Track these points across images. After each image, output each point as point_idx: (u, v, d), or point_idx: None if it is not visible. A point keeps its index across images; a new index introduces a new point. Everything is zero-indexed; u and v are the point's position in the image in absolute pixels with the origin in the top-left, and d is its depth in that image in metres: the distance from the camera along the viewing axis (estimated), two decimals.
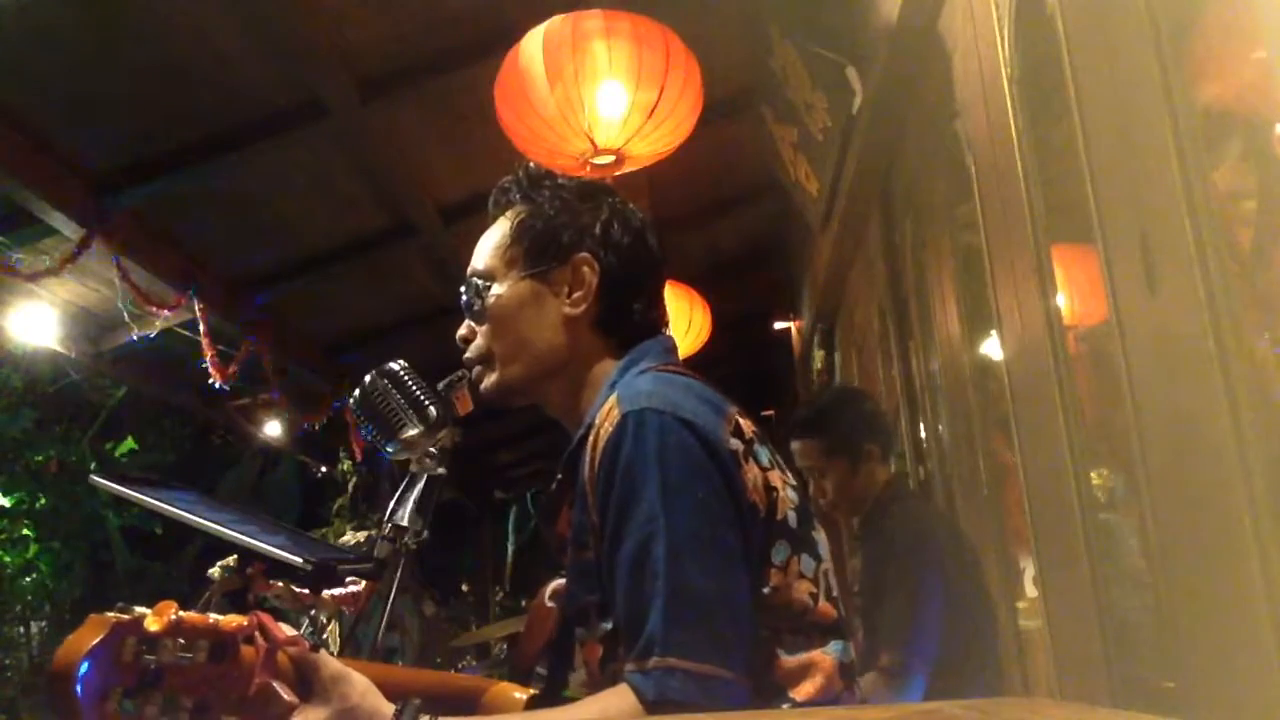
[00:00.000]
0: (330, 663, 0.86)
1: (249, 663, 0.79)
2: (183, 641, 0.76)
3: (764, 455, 0.99)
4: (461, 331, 1.18)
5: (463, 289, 1.18)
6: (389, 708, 0.87)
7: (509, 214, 1.18)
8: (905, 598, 2.03)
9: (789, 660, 0.92)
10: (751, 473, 0.96)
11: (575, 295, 1.12)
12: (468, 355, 1.17)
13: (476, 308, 1.15)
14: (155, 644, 0.75)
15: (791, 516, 0.97)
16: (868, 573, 2.22)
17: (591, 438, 0.99)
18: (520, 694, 1.12)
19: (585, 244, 1.14)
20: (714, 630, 0.88)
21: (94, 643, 0.73)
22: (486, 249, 1.17)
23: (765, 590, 0.93)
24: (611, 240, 1.14)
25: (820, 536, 1.01)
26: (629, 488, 0.93)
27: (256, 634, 0.80)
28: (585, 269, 1.12)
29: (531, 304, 1.13)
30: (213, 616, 0.78)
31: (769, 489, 0.96)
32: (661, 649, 0.86)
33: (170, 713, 0.75)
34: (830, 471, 2.27)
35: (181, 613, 0.76)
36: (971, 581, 2.21)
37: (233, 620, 0.78)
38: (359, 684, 0.87)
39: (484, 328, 1.15)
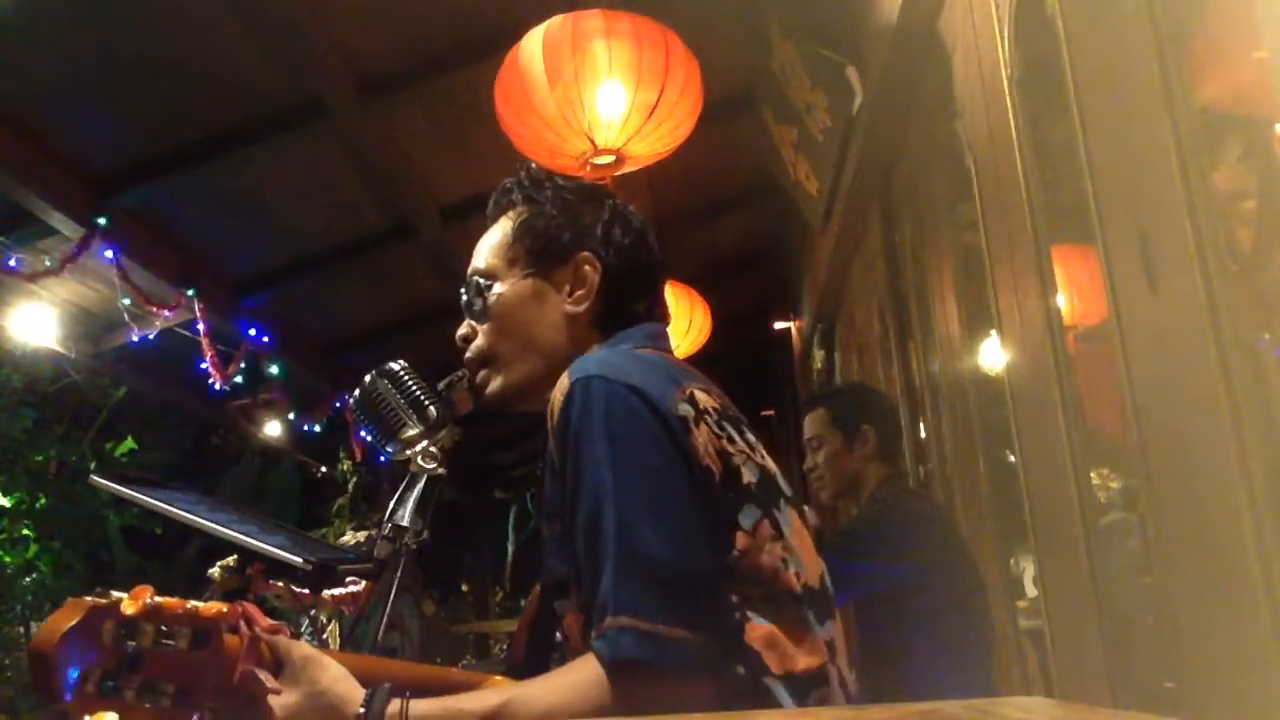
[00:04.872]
0: (301, 646, 0.87)
1: (233, 651, 0.79)
2: (164, 628, 0.76)
3: (722, 427, 0.99)
4: (462, 331, 1.18)
5: (463, 288, 1.18)
6: (360, 693, 0.87)
7: (510, 214, 1.18)
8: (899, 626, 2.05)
9: (761, 626, 0.91)
10: (702, 437, 0.95)
11: (577, 294, 1.13)
12: (469, 355, 1.17)
13: (478, 307, 1.15)
14: (134, 628, 0.76)
15: (755, 482, 0.97)
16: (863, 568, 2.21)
17: (549, 408, 1.00)
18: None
19: (587, 243, 1.14)
20: (665, 590, 0.88)
21: (71, 624, 0.74)
22: (487, 248, 1.17)
23: (733, 554, 0.93)
24: (613, 240, 1.15)
25: (791, 513, 1.00)
26: (578, 455, 0.93)
27: (241, 623, 0.80)
28: (587, 268, 1.13)
29: (533, 303, 1.13)
30: (191, 602, 0.78)
31: (724, 455, 0.96)
32: (614, 609, 0.87)
33: (150, 697, 0.76)
34: (826, 443, 2.30)
35: (158, 598, 0.77)
36: (973, 582, 2.20)
37: (212, 607, 0.78)
38: (331, 668, 0.87)
39: (485, 327, 1.15)
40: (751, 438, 1.04)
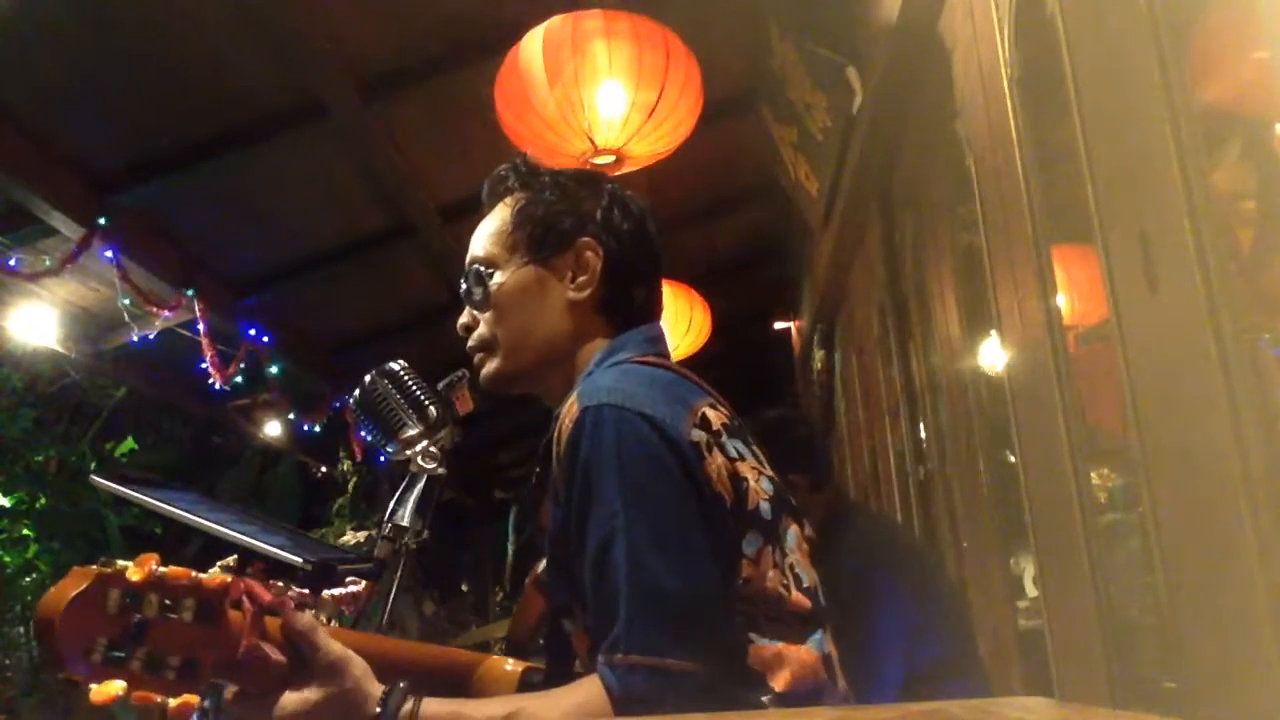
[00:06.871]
0: (330, 648, 0.87)
1: (237, 626, 0.79)
2: (168, 601, 0.76)
3: (733, 447, 0.99)
4: (463, 320, 1.17)
5: (463, 278, 1.17)
6: (378, 689, 0.88)
7: (508, 201, 1.17)
8: (857, 641, 2.01)
9: (765, 648, 0.92)
10: (715, 464, 0.95)
11: (580, 280, 1.12)
12: (470, 344, 1.16)
13: (478, 296, 1.14)
14: (139, 598, 0.76)
15: (764, 507, 0.97)
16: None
17: (556, 433, 1.00)
18: (512, 666, 1.12)
19: (588, 229, 1.14)
20: (676, 624, 0.88)
21: (77, 591, 0.74)
22: (486, 236, 1.16)
23: (738, 581, 0.93)
24: (613, 225, 1.15)
25: (792, 528, 1.00)
26: (588, 486, 0.93)
27: (244, 598, 0.80)
28: (589, 254, 1.12)
29: (535, 289, 1.12)
30: (194, 573, 0.78)
31: (736, 479, 0.96)
32: (625, 647, 0.87)
33: (156, 668, 0.76)
34: None
35: (163, 567, 0.77)
36: (939, 596, 2.17)
37: (216, 578, 0.78)
38: (356, 667, 0.88)
39: (487, 315, 1.14)
40: (756, 449, 1.04)
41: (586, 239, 1.13)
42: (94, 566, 0.76)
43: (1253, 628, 1.15)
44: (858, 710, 0.91)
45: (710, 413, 0.99)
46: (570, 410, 0.98)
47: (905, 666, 1.96)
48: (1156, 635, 1.51)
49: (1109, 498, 1.85)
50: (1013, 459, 2.16)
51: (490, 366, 1.14)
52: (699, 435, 0.95)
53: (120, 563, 0.76)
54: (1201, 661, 1.32)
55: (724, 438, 0.98)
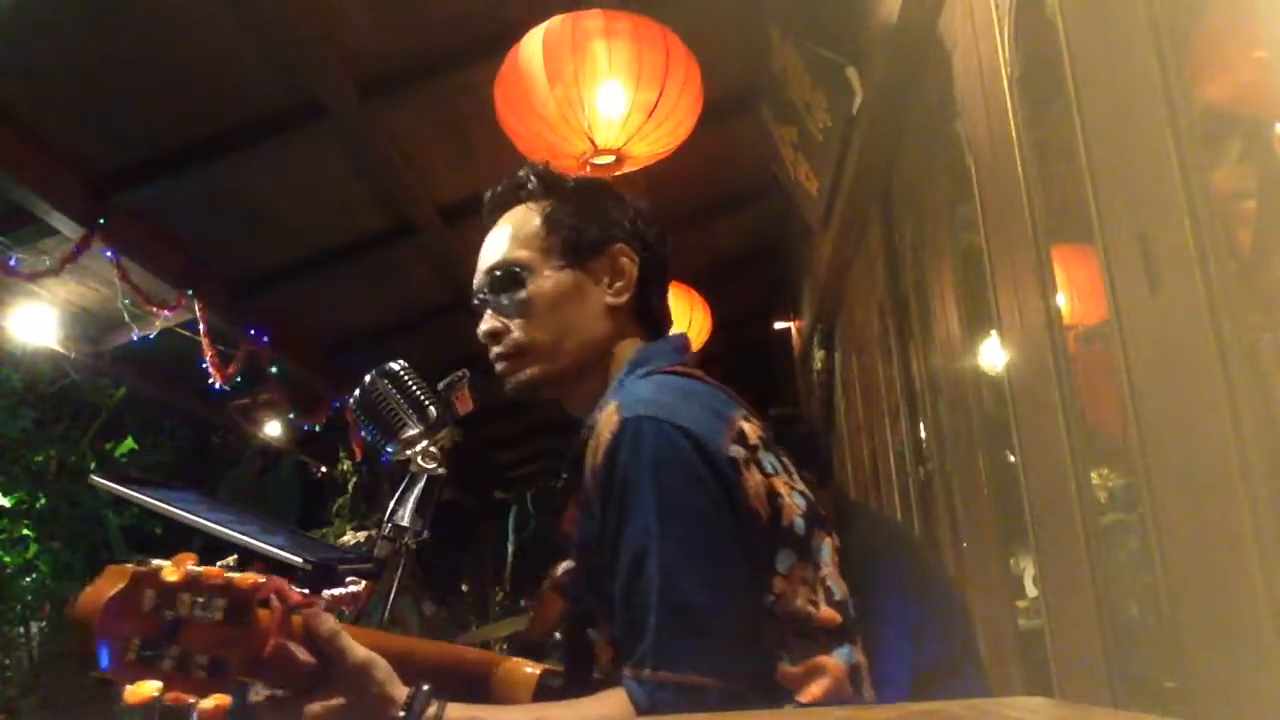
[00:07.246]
0: (355, 651, 0.86)
1: (265, 626, 0.79)
2: (200, 600, 0.76)
3: (768, 462, 0.99)
4: (492, 325, 1.13)
5: (489, 281, 1.14)
6: (403, 692, 0.87)
7: (531, 206, 1.17)
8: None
9: (794, 667, 0.92)
10: (753, 480, 0.95)
11: (617, 285, 1.14)
12: (499, 349, 1.13)
13: (509, 300, 1.12)
14: (173, 597, 0.76)
15: (799, 523, 0.96)
16: None
17: (593, 442, 0.99)
18: (531, 669, 1.11)
19: (619, 236, 1.16)
20: (707, 641, 0.88)
21: (113, 592, 0.74)
22: (514, 239, 1.14)
23: (769, 598, 0.93)
24: (640, 233, 1.17)
25: (825, 542, 1.00)
26: (624, 498, 0.93)
27: (273, 597, 0.80)
28: (624, 260, 1.14)
29: (574, 293, 1.12)
30: (227, 573, 0.78)
31: (772, 496, 0.96)
32: (654, 662, 0.87)
33: (187, 668, 0.76)
34: None
35: (197, 567, 0.77)
36: (939, 595, 2.17)
37: (248, 578, 0.78)
38: (380, 670, 0.87)
39: (520, 320, 1.12)
40: (786, 460, 1.04)
41: (620, 245, 1.15)
42: (129, 565, 0.76)
43: (1253, 628, 1.15)
44: (857, 710, 0.91)
45: (746, 426, 0.99)
46: (609, 421, 0.97)
47: (910, 661, 1.96)
48: (1156, 635, 1.51)
49: (1109, 498, 1.85)
50: (1013, 459, 2.16)
51: (527, 372, 1.12)
52: (737, 451, 0.96)
53: (156, 562, 0.77)
54: (1201, 661, 1.32)
55: (760, 452, 0.98)
